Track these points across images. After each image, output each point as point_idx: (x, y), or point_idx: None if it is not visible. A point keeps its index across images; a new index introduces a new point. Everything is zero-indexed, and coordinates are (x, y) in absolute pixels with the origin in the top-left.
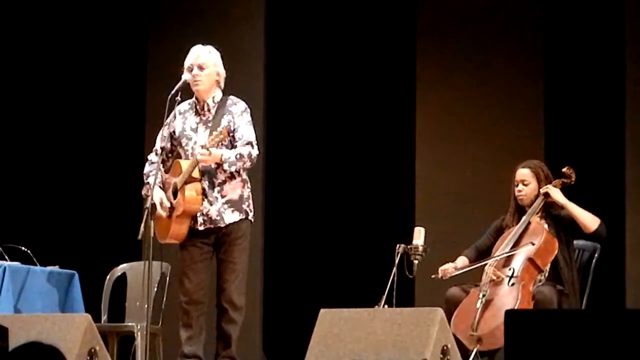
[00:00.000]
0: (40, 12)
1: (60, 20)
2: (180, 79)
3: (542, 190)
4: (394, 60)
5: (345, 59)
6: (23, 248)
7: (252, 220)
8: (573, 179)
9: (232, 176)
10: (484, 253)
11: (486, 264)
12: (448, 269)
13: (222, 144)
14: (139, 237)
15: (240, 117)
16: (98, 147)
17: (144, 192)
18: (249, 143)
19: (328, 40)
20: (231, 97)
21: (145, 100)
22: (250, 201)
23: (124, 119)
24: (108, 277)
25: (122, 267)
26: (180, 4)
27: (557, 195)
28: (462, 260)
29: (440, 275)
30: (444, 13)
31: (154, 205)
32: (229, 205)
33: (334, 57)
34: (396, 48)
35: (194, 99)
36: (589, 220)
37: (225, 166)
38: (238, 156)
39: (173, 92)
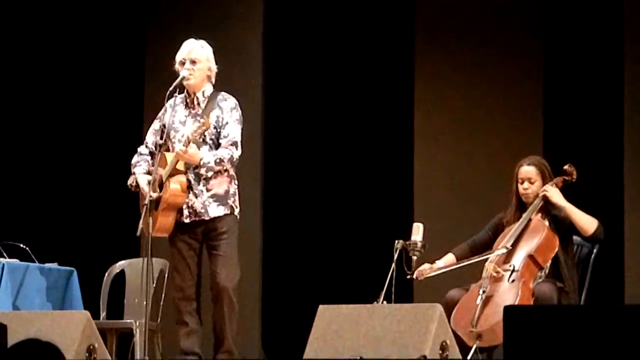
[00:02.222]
0: (39, 12)
1: (59, 18)
2: (178, 76)
3: (540, 193)
4: (392, 59)
5: (344, 57)
6: (22, 245)
7: (238, 216)
8: (574, 177)
9: (219, 171)
10: (481, 249)
11: (468, 263)
12: (423, 270)
13: (202, 137)
14: (138, 233)
15: (229, 113)
16: (96, 144)
17: (129, 182)
18: (234, 144)
19: (326, 38)
20: (222, 92)
21: (143, 97)
22: (237, 197)
23: (122, 117)
24: (107, 274)
25: (120, 264)
26: (179, 3)
27: (555, 197)
28: (447, 259)
29: (415, 275)
30: (443, 12)
31: (152, 202)
32: (214, 200)
33: (332, 55)
34: (394, 46)
35: (185, 92)
36: (587, 224)
37: (202, 170)
38: (217, 161)
39: (171, 89)
